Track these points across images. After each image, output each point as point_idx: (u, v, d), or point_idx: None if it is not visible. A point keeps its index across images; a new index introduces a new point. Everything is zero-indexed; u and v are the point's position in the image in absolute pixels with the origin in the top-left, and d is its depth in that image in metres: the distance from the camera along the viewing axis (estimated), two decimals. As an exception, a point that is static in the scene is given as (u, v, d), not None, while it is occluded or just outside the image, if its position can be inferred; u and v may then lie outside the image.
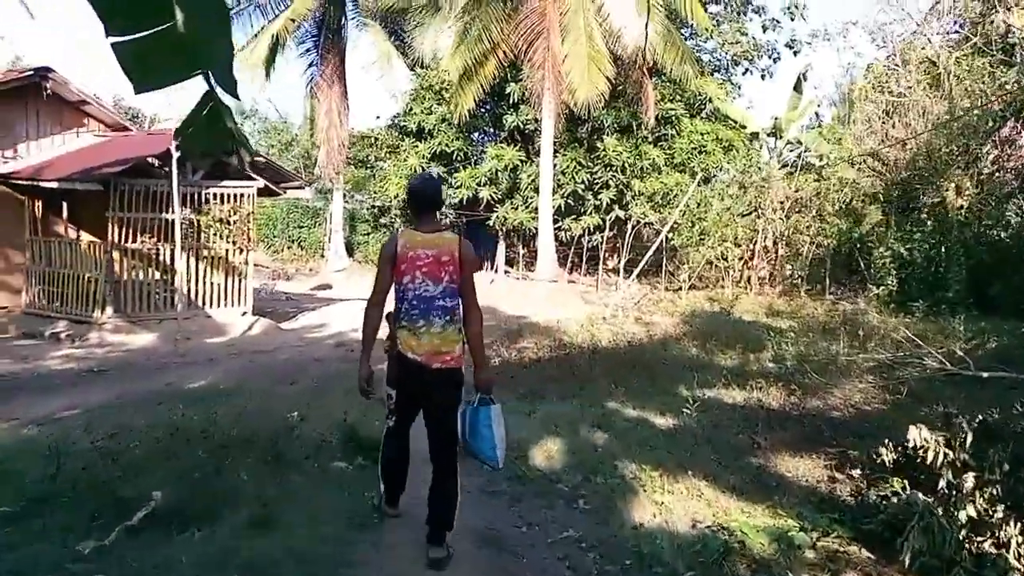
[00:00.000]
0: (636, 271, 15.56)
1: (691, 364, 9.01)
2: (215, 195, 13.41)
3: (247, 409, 6.36)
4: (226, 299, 13.63)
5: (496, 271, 21.84)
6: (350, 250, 27.79)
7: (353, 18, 24.66)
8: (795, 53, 24.57)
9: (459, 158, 20.49)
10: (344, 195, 28.31)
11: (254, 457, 4.71)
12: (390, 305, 3.74)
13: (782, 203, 18.32)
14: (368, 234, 28.60)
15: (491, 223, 20.64)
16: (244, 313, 13.88)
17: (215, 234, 13.36)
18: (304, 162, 34.13)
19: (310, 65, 25.73)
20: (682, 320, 14.25)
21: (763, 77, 24.33)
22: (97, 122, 14.53)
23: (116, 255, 12.18)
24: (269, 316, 15.50)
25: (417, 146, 20.93)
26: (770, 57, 24.23)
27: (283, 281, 24.99)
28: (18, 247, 13.21)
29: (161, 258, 12.67)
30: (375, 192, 24.98)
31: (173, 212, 12.07)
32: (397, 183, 21.30)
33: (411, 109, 21.06)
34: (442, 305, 3.62)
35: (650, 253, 16.01)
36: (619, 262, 21.04)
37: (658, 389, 7.72)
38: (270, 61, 21.26)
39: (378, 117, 27.04)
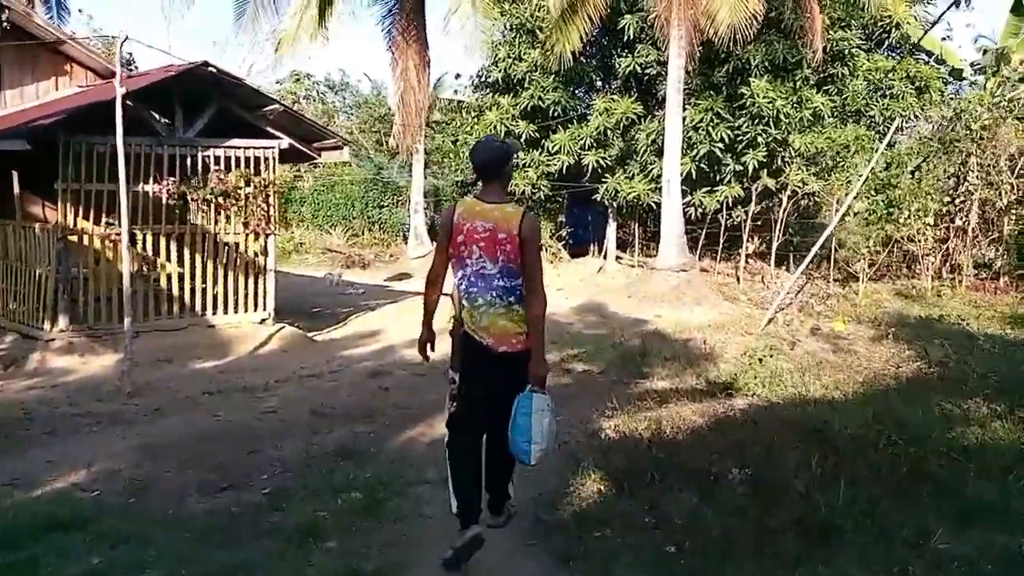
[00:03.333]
0: (808, 258, 10.88)
1: (1008, 463, 4.47)
2: (218, 159, 9.77)
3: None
4: (237, 302, 10.03)
5: (606, 257, 17.46)
6: (434, 233, 24.02)
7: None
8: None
9: (556, 115, 16.13)
10: (429, 170, 24.61)
11: None
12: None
13: (1010, 162, 13.07)
14: (454, 214, 24.68)
15: (599, 197, 16.17)
16: (263, 320, 10.22)
17: (217, 213, 9.75)
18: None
19: (388, 14, 22.01)
20: (883, 332, 9.52)
21: (956, 3, 18.46)
22: (85, 70, 11.22)
23: (76, 242, 8.78)
24: (312, 319, 11.95)
25: (500, 102, 16.72)
26: (967, -27, 18.37)
27: (358, 270, 21.64)
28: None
29: (140, 247, 9.18)
30: (454, 166, 20.99)
31: (145, 181, 8.54)
32: (476, 151, 17.21)
33: (497, 56, 16.83)
34: (503, 285, 3.30)
35: (828, 232, 11.26)
36: (765, 245, 16.21)
37: (991, 554, 3.27)
38: (325, 6, 17.54)
39: (458, 76, 22.77)
